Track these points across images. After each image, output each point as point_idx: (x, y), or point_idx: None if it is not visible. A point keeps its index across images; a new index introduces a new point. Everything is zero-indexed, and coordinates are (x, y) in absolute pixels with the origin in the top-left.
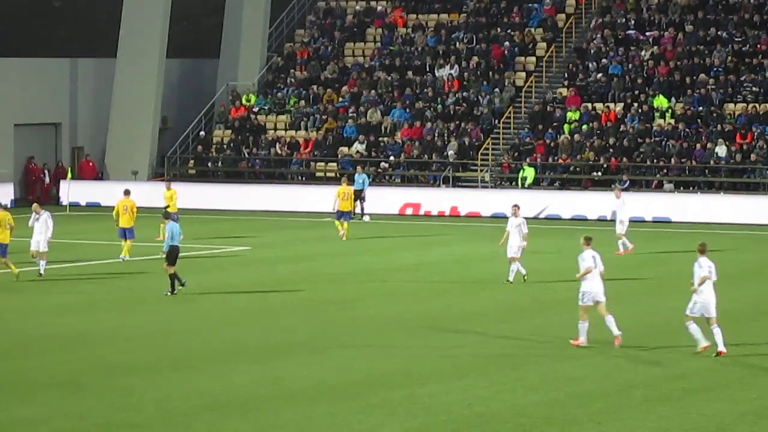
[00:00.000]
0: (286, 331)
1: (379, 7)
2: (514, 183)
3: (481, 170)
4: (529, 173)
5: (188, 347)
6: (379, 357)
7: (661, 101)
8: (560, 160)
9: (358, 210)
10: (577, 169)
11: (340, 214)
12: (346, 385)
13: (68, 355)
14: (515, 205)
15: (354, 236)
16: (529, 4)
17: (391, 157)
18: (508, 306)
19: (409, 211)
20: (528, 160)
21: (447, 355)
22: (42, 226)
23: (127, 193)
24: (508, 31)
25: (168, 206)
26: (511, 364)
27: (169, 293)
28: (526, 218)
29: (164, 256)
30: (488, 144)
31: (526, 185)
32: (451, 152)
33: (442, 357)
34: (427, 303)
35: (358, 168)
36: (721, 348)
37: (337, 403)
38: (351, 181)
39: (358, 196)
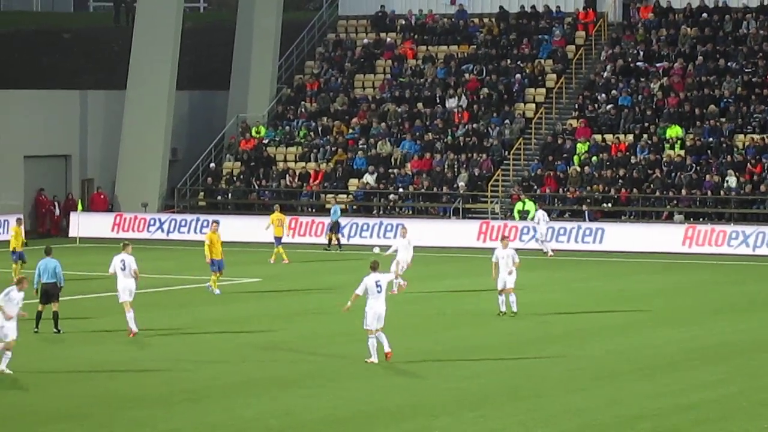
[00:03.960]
0: (295, 364)
1: (389, 39)
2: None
3: (492, 202)
4: (530, 207)
5: (197, 380)
6: (390, 389)
7: (671, 132)
8: (569, 193)
9: (334, 242)
10: (588, 200)
11: (277, 240)
12: (356, 416)
13: (76, 387)
14: (504, 237)
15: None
16: (539, 36)
17: (401, 189)
18: (516, 338)
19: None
20: (532, 192)
21: (457, 387)
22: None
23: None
24: (518, 62)
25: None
26: (523, 396)
27: None
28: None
29: None
30: (498, 175)
31: (528, 219)
32: (461, 184)
33: (452, 389)
34: (434, 335)
35: (331, 200)
36: (387, 349)
37: None
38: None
39: (338, 228)
